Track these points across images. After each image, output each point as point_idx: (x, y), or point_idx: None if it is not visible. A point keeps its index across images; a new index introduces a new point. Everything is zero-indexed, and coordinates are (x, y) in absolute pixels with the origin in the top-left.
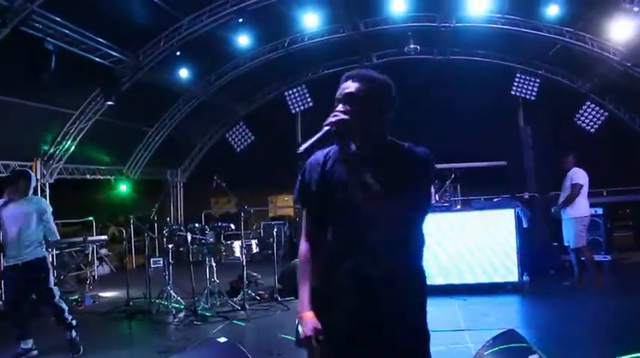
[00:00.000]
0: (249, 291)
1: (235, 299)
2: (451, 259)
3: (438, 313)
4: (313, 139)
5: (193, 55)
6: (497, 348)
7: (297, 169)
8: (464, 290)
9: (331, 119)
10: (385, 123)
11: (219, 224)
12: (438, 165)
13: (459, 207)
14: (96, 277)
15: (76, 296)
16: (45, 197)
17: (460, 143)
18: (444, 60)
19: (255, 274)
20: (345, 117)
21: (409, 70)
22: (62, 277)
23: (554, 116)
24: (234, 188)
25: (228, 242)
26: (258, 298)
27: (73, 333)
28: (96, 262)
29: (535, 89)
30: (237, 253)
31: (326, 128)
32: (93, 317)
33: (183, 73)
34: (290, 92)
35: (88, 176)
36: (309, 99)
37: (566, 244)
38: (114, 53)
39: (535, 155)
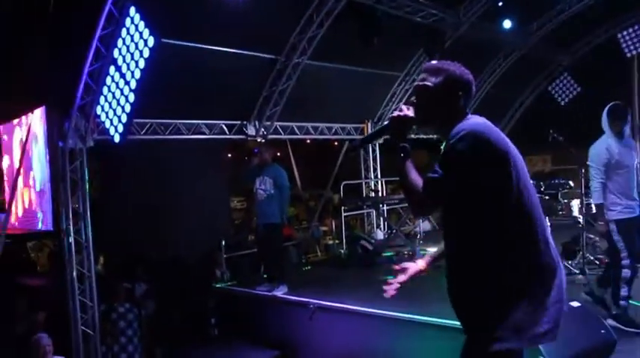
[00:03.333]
0: (588, 255)
1: (571, 262)
2: None
3: None
4: (371, 133)
5: (514, 3)
6: None
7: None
8: None
9: (393, 114)
10: (452, 118)
11: (556, 180)
12: None
13: None
14: (422, 233)
15: (408, 249)
16: (375, 156)
17: None
18: None
19: (592, 236)
20: (406, 113)
21: None
22: (394, 231)
23: None
24: (556, 144)
25: (565, 200)
26: (598, 262)
27: None
28: (420, 219)
29: None
30: (576, 213)
31: (385, 123)
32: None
33: (506, 24)
34: (625, 33)
35: (413, 136)
36: None
37: None
38: (435, 12)
39: None
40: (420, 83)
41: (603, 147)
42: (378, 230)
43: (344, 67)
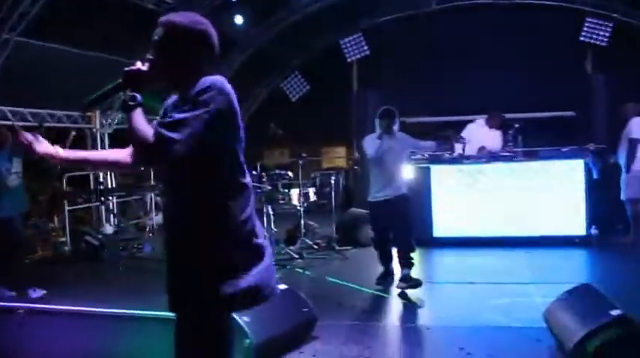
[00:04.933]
0: (307, 240)
1: (293, 247)
2: (515, 210)
3: (501, 265)
4: (103, 90)
5: (249, 1)
6: (573, 302)
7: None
8: (528, 242)
9: (126, 69)
10: (191, 73)
11: (276, 172)
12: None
13: (522, 157)
14: (154, 225)
15: (137, 243)
16: (104, 147)
17: (523, 92)
18: (508, 4)
19: (311, 223)
20: (139, 67)
21: (471, 15)
22: (122, 224)
23: (628, 63)
24: (289, 138)
25: (285, 190)
26: (316, 247)
27: None
28: (153, 211)
29: (607, 34)
30: (295, 201)
31: (119, 80)
32: (151, 263)
33: (238, 19)
34: (346, 40)
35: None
36: (365, 48)
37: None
38: (169, 1)
39: (606, 105)
40: (155, 38)
41: (366, 139)
42: (108, 224)
43: (69, 50)
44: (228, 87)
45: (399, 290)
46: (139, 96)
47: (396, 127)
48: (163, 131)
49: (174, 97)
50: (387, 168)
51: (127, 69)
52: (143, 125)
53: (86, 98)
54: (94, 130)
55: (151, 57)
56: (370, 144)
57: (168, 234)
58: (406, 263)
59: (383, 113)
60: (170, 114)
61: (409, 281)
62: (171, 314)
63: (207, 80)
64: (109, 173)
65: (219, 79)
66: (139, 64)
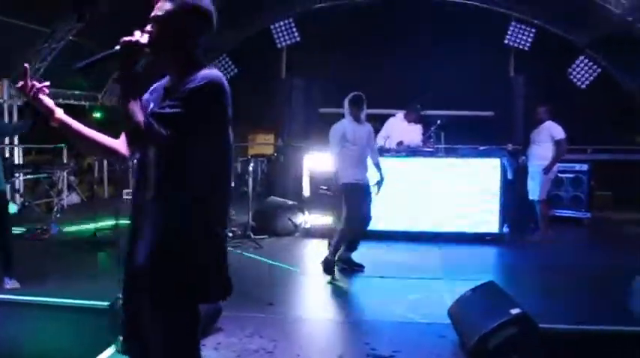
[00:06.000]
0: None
1: None
2: (431, 206)
3: (414, 260)
4: (97, 57)
5: None
6: (476, 300)
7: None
8: (442, 238)
9: (125, 38)
10: (188, 54)
11: None
12: (425, 112)
13: (442, 153)
14: (65, 206)
15: (42, 225)
16: (12, 121)
17: (446, 90)
18: (435, 2)
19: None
20: (138, 39)
21: (399, 9)
22: (27, 204)
23: (546, 69)
24: None
25: None
26: (231, 234)
27: None
28: (65, 191)
29: (529, 39)
30: None
31: (116, 47)
32: (57, 247)
33: None
34: (276, 25)
35: (61, 100)
36: (296, 34)
37: (530, 198)
38: None
39: (524, 107)
40: (159, 13)
41: (340, 127)
42: (12, 203)
43: None
44: (225, 83)
45: (318, 280)
46: (135, 77)
47: (363, 115)
48: (154, 123)
49: (164, 81)
50: (359, 153)
51: (124, 38)
52: (138, 109)
53: (79, 62)
54: (1, 101)
55: (150, 30)
56: (340, 129)
57: (145, 212)
58: (355, 247)
59: (355, 99)
60: (163, 103)
61: (355, 265)
62: (66, 301)
63: (211, 74)
64: (16, 148)
65: (216, 74)
66: (137, 35)
